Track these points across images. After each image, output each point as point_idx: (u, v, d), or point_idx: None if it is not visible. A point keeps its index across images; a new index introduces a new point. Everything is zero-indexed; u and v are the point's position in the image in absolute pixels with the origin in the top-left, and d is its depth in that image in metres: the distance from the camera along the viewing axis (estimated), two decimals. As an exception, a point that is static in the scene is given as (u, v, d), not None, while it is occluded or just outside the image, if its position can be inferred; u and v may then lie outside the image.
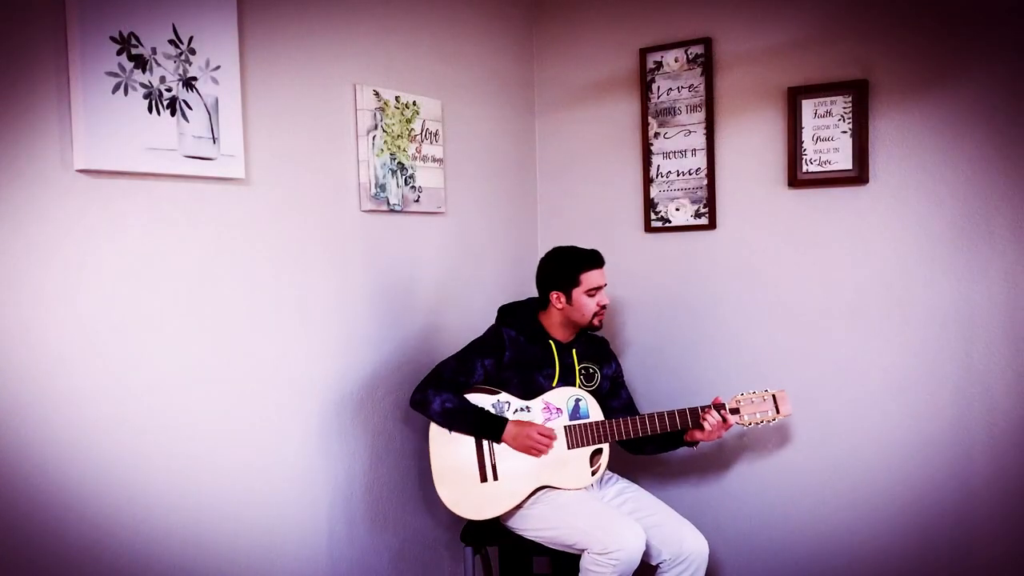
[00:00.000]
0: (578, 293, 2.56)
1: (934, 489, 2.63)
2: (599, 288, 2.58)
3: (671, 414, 2.52)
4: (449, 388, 2.51)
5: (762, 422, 2.56)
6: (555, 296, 2.58)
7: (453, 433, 2.52)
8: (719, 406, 2.54)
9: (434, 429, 2.54)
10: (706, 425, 2.50)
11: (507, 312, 2.68)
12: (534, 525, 2.48)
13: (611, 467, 2.75)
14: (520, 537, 2.53)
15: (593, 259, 2.58)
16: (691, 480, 3.04)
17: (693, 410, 2.52)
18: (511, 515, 2.52)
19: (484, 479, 2.50)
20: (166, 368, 2.08)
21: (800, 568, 2.86)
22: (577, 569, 2.39)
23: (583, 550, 2.34)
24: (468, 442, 2.52)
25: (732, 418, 2.53)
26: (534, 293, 3.31)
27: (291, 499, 2.41)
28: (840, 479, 2.77)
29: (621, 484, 2.66)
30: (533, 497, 2.50)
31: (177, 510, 2.10)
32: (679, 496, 3.04)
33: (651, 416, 2.53)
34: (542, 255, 2.67)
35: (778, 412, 2.56)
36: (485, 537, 2.59)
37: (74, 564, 1.90)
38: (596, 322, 2.61)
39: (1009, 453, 2.51)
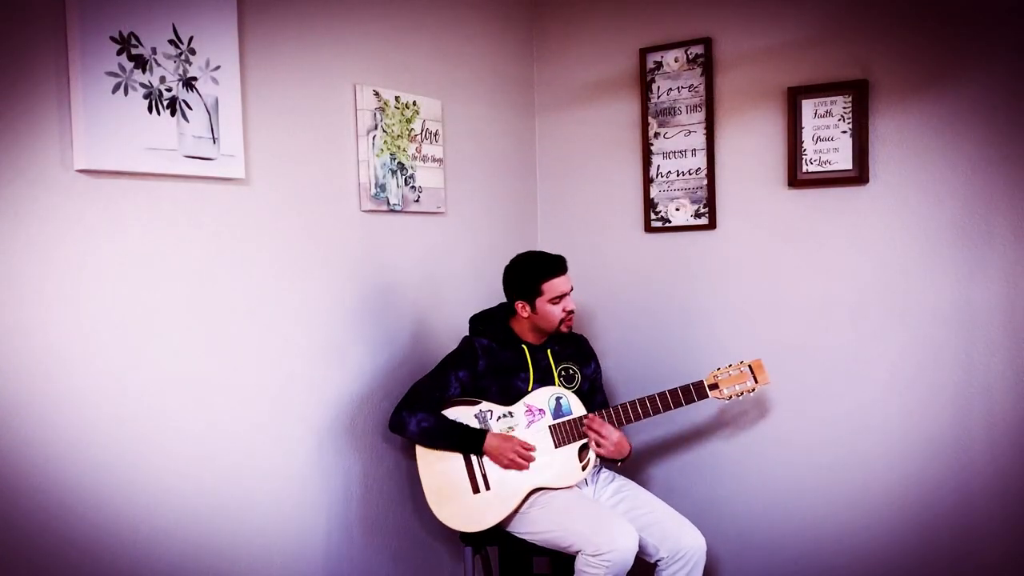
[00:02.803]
0: (542, 302, 2.55)
1: (934, 488, 2.63)
2: (563, 295, 2.56)
3: (651, 398, 2.54)
4: (424, 407, 2.50)
5: (742, 394, 2.55)
6: (520, 306, 2.58)
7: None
8: (697, 384, 2.55)
9: (420, 448, 2.54)
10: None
11: (478, 320, 2.68)
12: (530, 528, 2.48)
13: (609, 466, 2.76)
14: (519, 538, 2.53)
15: (554, 267, 2.56)
16: (690, 477, 3.04)
17: (673, 391, 2.53)
18: (508, 520, 2.52)
19: (476, 490, 2.50)
20: (166, 368, 2.08)
21: (799, 567, 2.86)
22: (577, 569, 2.40)
23: (577, 552, 2.34)
24: (456, 456, 2.51)
25: (711, 393, 2.54)
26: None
27: (290, 499, 2.41)
28: (840, 478, 2.77)
29: (618, 482, 2.66)
30: (529, 500, 2.50)
31: (176, 510, 2.11)
32: (677, 493, 3.03)
33: (633, 403, 2.54)
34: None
35: (756, 382, 2.56)
36: (485, 537, 2.59)
37: (74, 564, 1.90)
38: (564, 328, 2.59)
39: (1009, 453, 2.51)
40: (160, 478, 2.07)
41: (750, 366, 2.56)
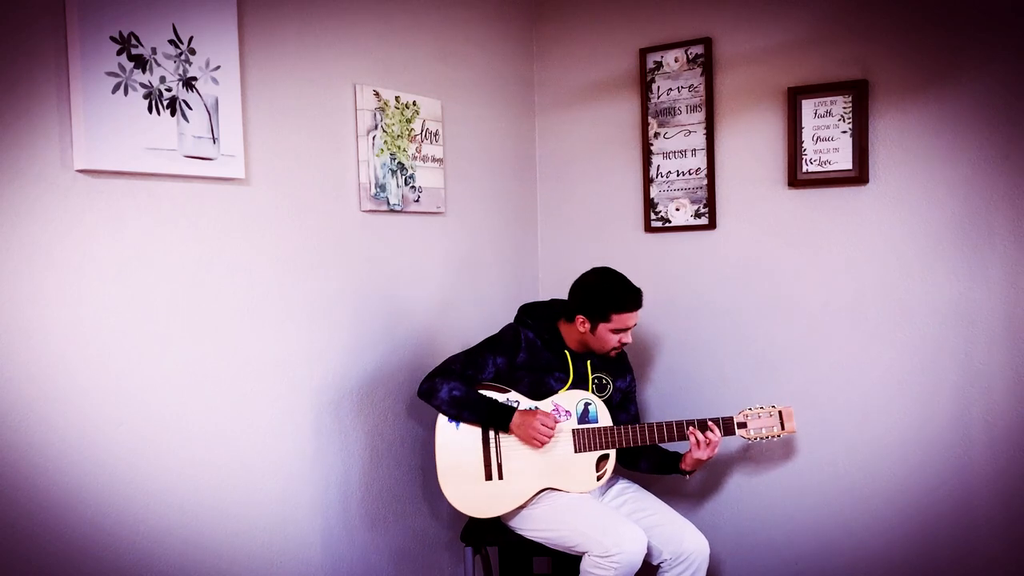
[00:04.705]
0: (604, 328, 2.52)
1: (934, 489, 2.63)
2: (627, 329, 2.55)
3: (679, 423, 2.52)
4: (458, 379, 2.50)
5: (767, 437, 2.58)
6: (580, 320, 2.54)
7: (460, 429, 2.51)
8: (727, 419, 2.55)
9: (440, 426, 2.53)
10: (691, 439, 2.51)
11: (527, 312, 2.66)
12: (536, 526, 2.48)
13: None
14: (521, 537, 2.53)
15: (631, 302, 2.51)
16: (692, 480, 3.04)
17: (702, 421, 2.53)
18: (513, 515, 2.52)
19: (489, 478, 2.50)
20: (165, 368, 2.08)
21: (800, 568, 2.86)
22: (577, 570, 2.39)
23: (584, 552, 2.34)
24: (475, 440, 2.51)
25: (739, 431, 2.55)
26: (534, 294, 3.32)
27: (290, 499, 2.41)
28: (840, 479, 2.77)
29: (622, 484, 2.66)
30: (536, 498, 2.50)
31: (176, 509, 2.11)
32: (680, 496, 3.04)
33: (659, 425, 2.53)
34: (587, 270, 2.60)
35: (783, 428, 2.57)
36: (485, 537, 2.59)
37: (74, 563, 1.90)
38: (611, 355, 2.59)
39: (1009, 453, 2.51)
40: (160, 478, 2.07)
41: (780, 412, 2.58)
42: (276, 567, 2.36)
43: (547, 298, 2.99)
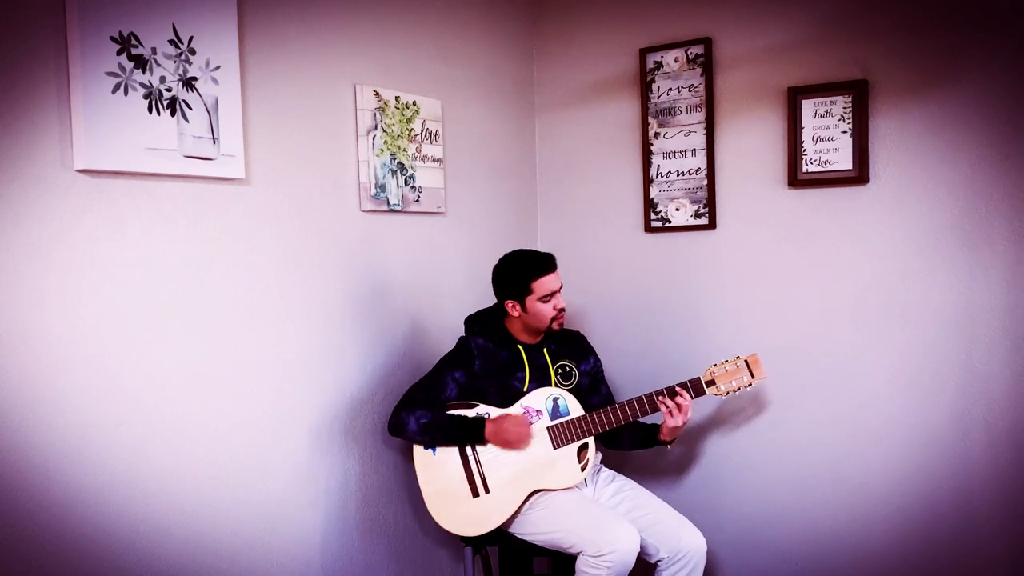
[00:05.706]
0: (532, 301, 2.53)
1: (934, 489, 2.63)
2: (553, 293, 2.55)
3: (649, 396, 2.52)
4: (422, 406, 2.50)
5: (739, 389, 2.55)
6: (510, 305, 2.57)
7: (437, 454, 2.51)
8: (694, 381, 2.54)
9: (418, 454, 2.53)
10: (663, 408, 2.50)
11: (473, 321, 2.67)
12: (531, 530, 2.48)
13: (609, 465, 2.75)
14: (519, 539, 2.53)
15: (543, 265, 2.54)
16: (690, 478, 3.04)
17: (671, 388, 2.52)
18: (509, 522, 2.52)
19: (476, 494, 2.49)
20: (165, 368, 2.08)
21: (799, 567, 2.86)
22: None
23: (579, 552, 2.34)
24: (454, 461, 2.51)
25: (708, 390, 2.53)
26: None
27: (289, 500, 2.41)
28: (840, 479, 2.77)
29: (619, 482, 2.66)
30: (529, 502, 2.50)
31: (176, 510, 2.11)
32: (678, 494, 3.04)
33: (630, 402, 2.52)
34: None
35: (753, 377, 2.55)
36: (485, 538, 2.59)
37: (74, 563, 1.91)
38: (555, 326, 2.59)
39: (1009, 453, 2.51)
40: (160, 478, 2.07)
41: (746, 361, 2.56)
42: (276, 567, 2.37)
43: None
